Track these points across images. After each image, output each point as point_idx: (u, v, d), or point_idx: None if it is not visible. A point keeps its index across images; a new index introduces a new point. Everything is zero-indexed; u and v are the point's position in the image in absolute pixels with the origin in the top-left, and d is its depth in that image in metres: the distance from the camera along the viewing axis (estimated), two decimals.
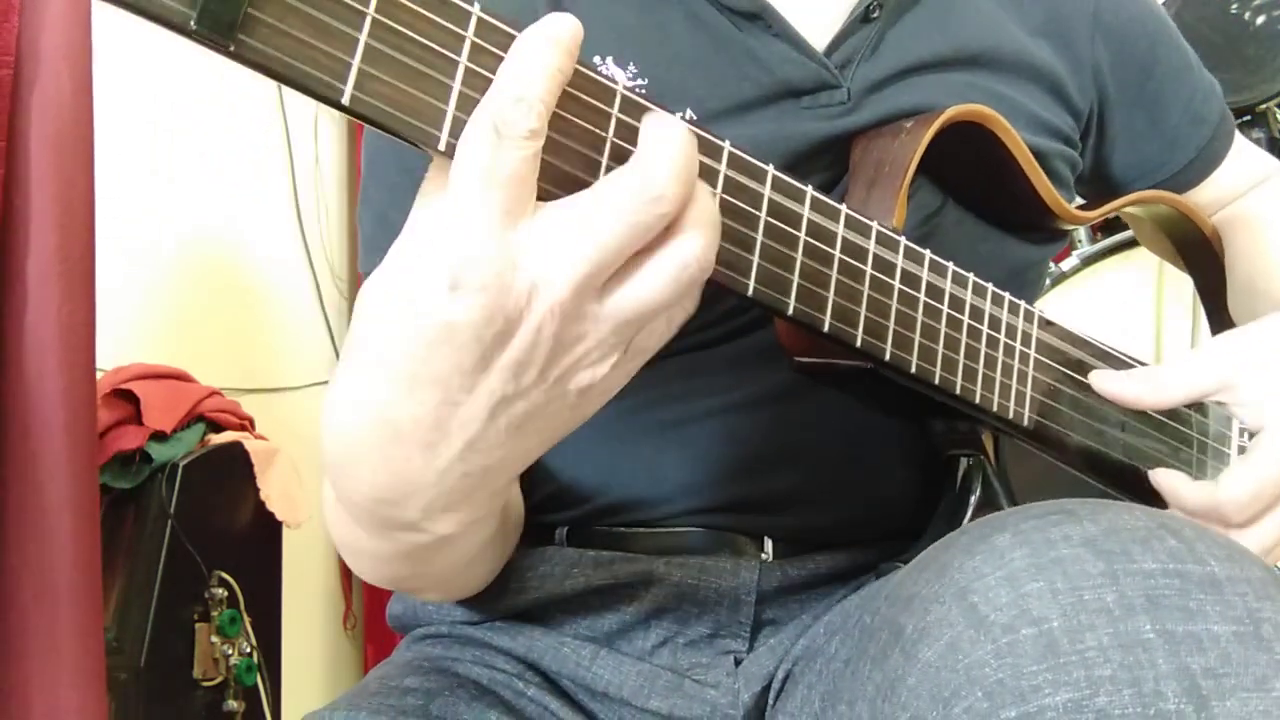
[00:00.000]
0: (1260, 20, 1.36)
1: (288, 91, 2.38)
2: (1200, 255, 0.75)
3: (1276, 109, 1.41)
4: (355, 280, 2.23)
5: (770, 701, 0.59)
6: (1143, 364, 0.68)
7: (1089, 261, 1.47)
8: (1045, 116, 0.68)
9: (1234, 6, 1.38)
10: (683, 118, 0.58)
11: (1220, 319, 0.78)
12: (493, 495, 0.47)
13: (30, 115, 0.98)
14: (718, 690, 0.59)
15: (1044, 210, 0.63)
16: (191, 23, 0.32)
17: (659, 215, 0.36)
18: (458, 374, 0.37)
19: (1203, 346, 0.63)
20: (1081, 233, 1.52)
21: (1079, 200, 0.72)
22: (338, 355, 2.16)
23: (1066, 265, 1.48)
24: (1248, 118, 1.41)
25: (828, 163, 0.61)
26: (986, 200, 0.63)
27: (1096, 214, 0.67)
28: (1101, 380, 0.62)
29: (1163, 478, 0.62)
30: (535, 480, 0.64)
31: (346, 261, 2.21)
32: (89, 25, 1.03)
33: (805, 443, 0.62)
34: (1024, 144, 0.61)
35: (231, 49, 0.33)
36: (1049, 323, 0.62)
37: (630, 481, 0.62)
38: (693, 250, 0.38)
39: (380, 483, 0.42)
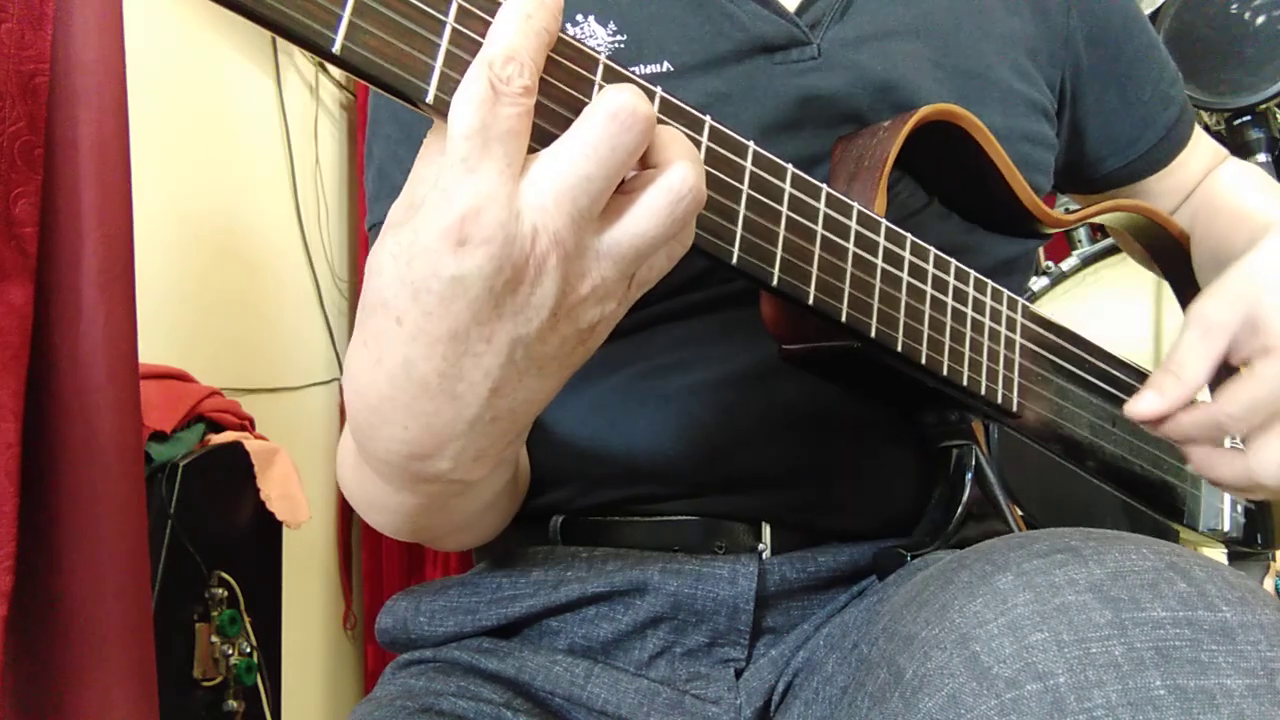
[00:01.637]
0: (1260, 20, 1.36)
1: (288, 92, 2.37)
2: (1173, 259, 0.76)
3: (1276, 109, 1.40)
4: (355, 280, 2.23)
5: (770, 714, 0.58)
6: (1125, 363, 0.68)
7: (1089, 261, 1.47)
8: (1019, 88, 0.69)
9: (1234, 6, 1.38)
10: (659, 70, 0.61)
11: None
12: (518, 435, 0.47)
13: (76, 126, 1.00)
14: (719, 706, 0.57)
15: (1024, 213, 0.65)
16: None
17: (632, 136, 0.37)
18: (475, 325, 0.38)
19: (1189, 315, 0.60)
20: (1081, 232, 1.52)
21: (1065, 206, 0.72)
22: (338, 355, 2.16)
23: (1066, 265, 1.48)
24: (1248, 118, 1.40)
25: (804, 132, 0.62)
26: (970, 199, 0.65)
27: (1073, 218, 0.68)
28: (1134, 407, 0.59)
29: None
30: (532, 456, 0.64)
31: (346, 261, 2.21)
32: (122, 36, 1.05)
33: (797, 419, 0.61)
34: (998, 144, 0.62)
35: None
36: (1033, 312, 0.62)
37: (623, 455, 0.62)
38: (684, 180, 0.38)
39: (412, 438, 0.42)
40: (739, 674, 0.59)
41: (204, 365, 1.62)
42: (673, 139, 0.39)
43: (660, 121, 0.42)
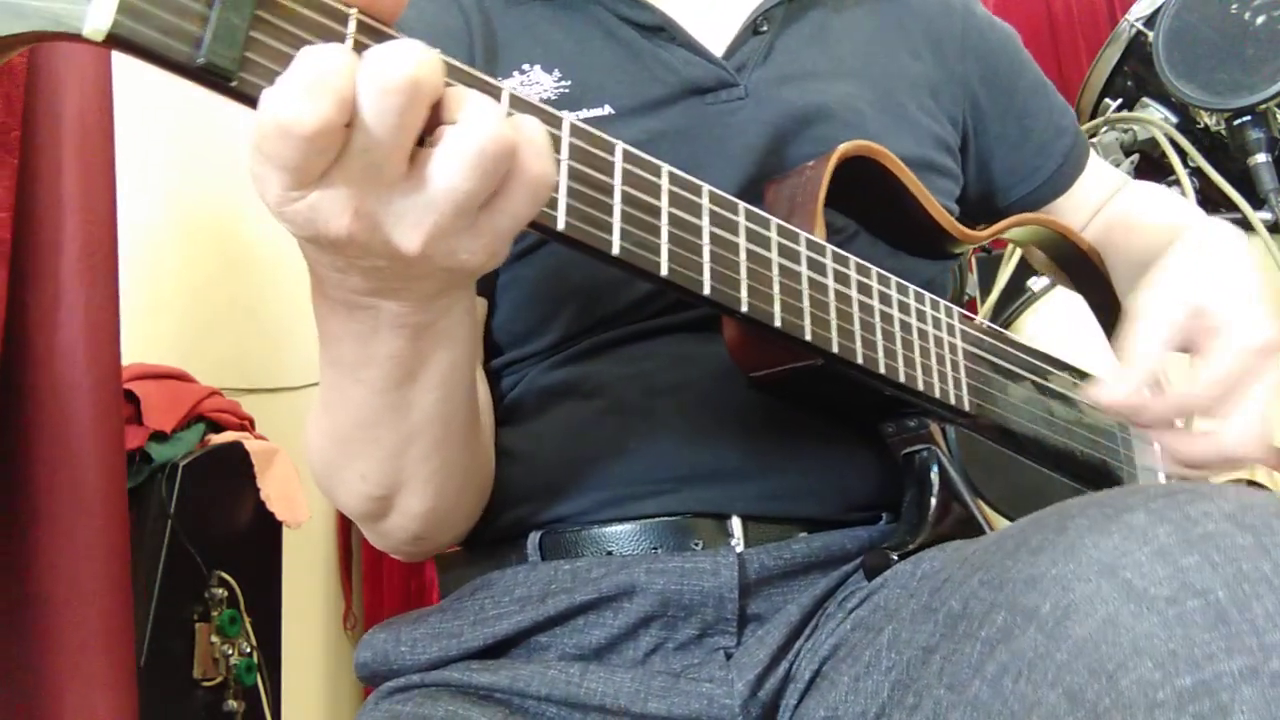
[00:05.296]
0: (1260, 20, 1.36)
1: None
2: (1081, 271, 0.82)
3: (1276, 109, 1.40)
4: None
5: (794, 701, 0.59)
6: (1052, 357, 0.74)
7: None
8: (925, 123, 0.77)
9: (1234, 6, 1.38)
10: (601, 114, 0.67)
11: (1113, 324, 0.82)
12: (439, 289, 0.49)
13: (58, 111, 0.99)
14: (713, 683, 0.59)
15: (941, 233, 0.70)
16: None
17: (396, 98, 0.38)
18: (332, 262, 0.45)
19: (1137, 310, 0.64)
20: None
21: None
22: None
23: None
24: (1248, 118, 1.40)
25: (737, 164, 0.67)
26: (890, 227, 0.70)
27: (985, 234, 0.73)
28: (1100, 393, 0.63)
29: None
30: (500, 474, 0.67)
31: None
32: None
33: (757, 416, 0.65)
34: (911, 174, 0.67)
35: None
36: (967, 317, 0.67)
37: (590, 461, 0.64)
38: (478, 123, 0.40)
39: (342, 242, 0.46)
40: (729, 657, 0.61)
41: (204, 365, 1.63)
42: (462, 95, 0.41)
43: (524, 113, 0.44)
